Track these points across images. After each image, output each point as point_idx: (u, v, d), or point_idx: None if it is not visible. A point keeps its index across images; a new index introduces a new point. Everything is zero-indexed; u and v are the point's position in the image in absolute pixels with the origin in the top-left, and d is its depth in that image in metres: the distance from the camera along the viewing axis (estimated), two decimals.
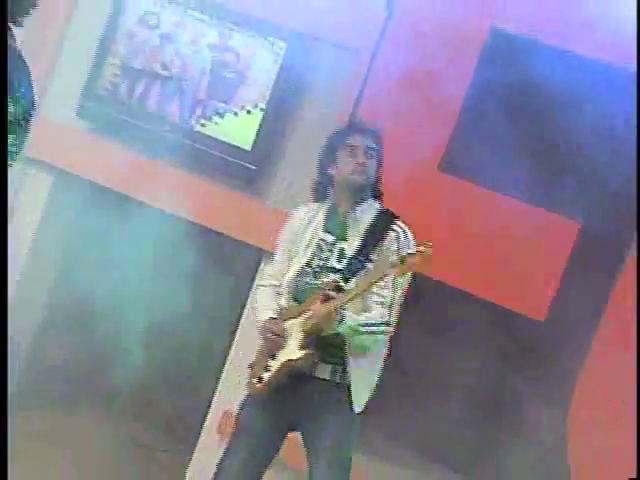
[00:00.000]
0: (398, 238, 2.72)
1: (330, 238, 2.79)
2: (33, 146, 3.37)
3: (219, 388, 3.68)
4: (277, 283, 2.82)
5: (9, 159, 1.93)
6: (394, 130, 3.40)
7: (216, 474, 2.75)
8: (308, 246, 2.79)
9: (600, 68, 3.26)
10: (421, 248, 2.52)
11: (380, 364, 2.82)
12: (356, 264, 2.73)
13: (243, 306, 3.67)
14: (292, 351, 2.68)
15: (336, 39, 3.69)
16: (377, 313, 2.70)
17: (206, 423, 3.67)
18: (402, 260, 2.54)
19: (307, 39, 3.75)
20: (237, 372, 3.53)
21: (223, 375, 3.65)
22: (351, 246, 2.75)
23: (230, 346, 3.65)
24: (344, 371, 2.69)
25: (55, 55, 4.06)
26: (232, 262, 3.97)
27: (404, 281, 2.72)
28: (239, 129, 3.78)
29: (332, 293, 2.64)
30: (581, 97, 3.19)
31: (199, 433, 3.67)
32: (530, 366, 3.48)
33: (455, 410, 3.43)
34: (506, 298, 3.39)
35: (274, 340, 2.68)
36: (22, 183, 4.02)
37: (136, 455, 4.05)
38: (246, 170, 3.75)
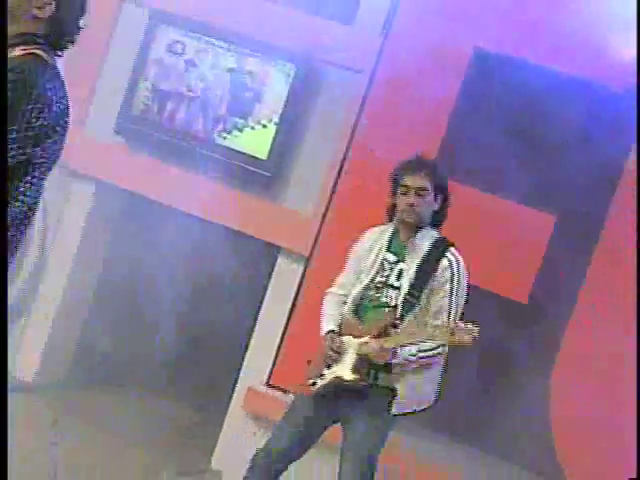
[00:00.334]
0: (451, 266, 2.78)
1: (392, 258, 2.85)
2: (76, 159, 3.71)
3: (244, 368, 3.87)
4: (344, 292, 2.90)
5: (51, 163, 1.92)
6: (392, 136, 3.67)
7: (262, 450, 2.87)
8: (373, 264, 2.84)
9: (568, 79, 3.49)
10: (470, 327, 2.53)
11: (437, 376, 2.84)
12: (411, 300, 2.75)
13: (264, 294, 3.90)
14: (345, 370, 2.76)
15: (339, 61, 3.86)
16: (421, 326, 2.70)
17: (233, 398, 3.86)
18: (452, 333, 2.56)
19: (314, 61, 3.87)
20: (260, 352, 3.83)
21: (247, 356, 3.86)
22: (409, 268, 2.79)
23: (253, 328, 3.87)
24: (385, 374, 2.74)
25: (95, 81, 4.19)
26: (252, 258, 4.10)
27: (460, 302, 2.78)
28: (256, 141, 3.90)
29: (388, 329, 2.69)
30: (554, 106, 3.42)
31: (227, 408, 3.88)
32: (518, 342, 3.61)
33: (454, 383, 3.53)
34: (495, 285, 3.56)
35: (332, 355, 2.76)
36: (68, 192, 4.21)
37: (171, 429, 4.23)
38: (262, 177, 3.90)
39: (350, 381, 2.74)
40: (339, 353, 2.77)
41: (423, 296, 2.74)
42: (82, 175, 4.15)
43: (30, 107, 1.76)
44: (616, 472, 3.29)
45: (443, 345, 2.71)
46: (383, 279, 2.81)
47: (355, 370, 2.72)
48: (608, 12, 3.41)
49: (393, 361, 2.69)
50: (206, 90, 3.97)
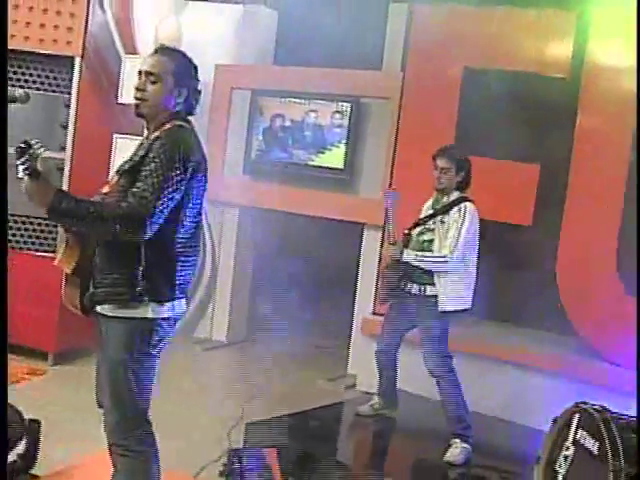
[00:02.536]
0: (460, 210, 3.78)
1: (431, 211, 3.95)
2: (223, 194, 5.37)
3: (356, 304, 5.22)
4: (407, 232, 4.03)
5: (201, 191, 2.37)
6: (424, 132, 5.00)
7: (377, 350, 4.12)
8: (424, 212, 4.01)
9: (534, 77, 4.85)
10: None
11: (465, 283, 3.74)
12: (428, 220, 3.86)
13: (359, 253, 5.22)
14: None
15: (377, 94, 5.18)
16: (439, 250, 3.77)
17: (353, 326, 5.24)
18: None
19: (361, 98, 5.17)
20: (365, 292, 5.17)
21: (357, 295, 5.24)
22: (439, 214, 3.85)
23: (357, 277, 5.26)
24: (430, 287, 3.78)
25: (225, 142, 5.70)
26: (349, 232, 5.42)
27: (468, 229, 3.69)
28: (334, 158, 5.21)
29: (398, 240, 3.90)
30: (527, 95, 4.76)
31: (351, 332, 5.25)
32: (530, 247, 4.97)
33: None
34: (507, 216, 4.79)
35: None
36: (223, 217, 5.77)
37: (319, 350, 5.75)
38: (343, 180, 5.20)
39: (393, 245, 3.92)
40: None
41: (440, 225, 3.84)
42: (228, 203, 5.69)
43: (182, 157, 2.27)
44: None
45: (444, 257, 3.75)
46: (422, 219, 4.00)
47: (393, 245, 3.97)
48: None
49: (403, 257, 3.78)
50: (295, 131, 5.35)
